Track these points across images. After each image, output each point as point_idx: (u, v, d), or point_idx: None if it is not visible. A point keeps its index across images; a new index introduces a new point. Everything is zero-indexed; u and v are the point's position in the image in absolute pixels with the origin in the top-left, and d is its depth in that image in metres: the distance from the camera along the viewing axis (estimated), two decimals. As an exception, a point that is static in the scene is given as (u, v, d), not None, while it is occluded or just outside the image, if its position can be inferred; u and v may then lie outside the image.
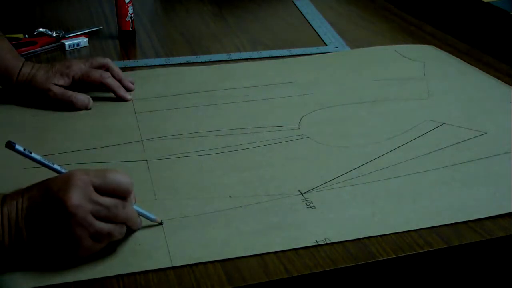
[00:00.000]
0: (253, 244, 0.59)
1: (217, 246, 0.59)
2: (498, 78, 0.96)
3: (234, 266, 0.57)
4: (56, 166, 0.59)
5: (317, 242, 0.59)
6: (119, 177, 0.56)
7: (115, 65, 0.92)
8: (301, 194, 0.67)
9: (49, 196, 0.54)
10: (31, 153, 0.59)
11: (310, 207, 0.65)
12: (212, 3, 1.38)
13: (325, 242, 0.59)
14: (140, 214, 0.60)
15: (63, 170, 0.59)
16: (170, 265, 0.56)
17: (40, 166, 0.69)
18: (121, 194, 0.56)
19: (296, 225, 0.62)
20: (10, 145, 0.57)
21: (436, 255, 0.60)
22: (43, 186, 0.56)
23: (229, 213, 0.64)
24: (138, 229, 0.60)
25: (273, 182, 0.69)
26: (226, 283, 0.55)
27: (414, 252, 0.59)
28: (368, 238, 0.60)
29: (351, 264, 0.57)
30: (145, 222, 0.61)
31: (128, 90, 0.91)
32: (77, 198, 0.53)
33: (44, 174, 0.70)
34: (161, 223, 0.62)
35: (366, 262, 0.58)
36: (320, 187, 0.68)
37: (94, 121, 0.84)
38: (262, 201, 0.66)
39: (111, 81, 0.88)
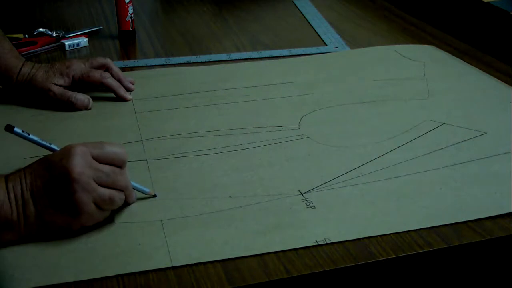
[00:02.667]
0: (253, 244, 0.59)
1: (217, 246, 0.59)
2: (498, 78, 0.96)
3: (234, 266, 0.57)
4: (53, 146, 0.64)
5: (317, 242, 0.59)
6: (115, 148, 0.61)
7: (115, 65, 0.92)
8: (301, 194, 0.67)
9: (51, 166, 0.58)
10: (29, 134, 0.64)
11: (310, 207, 0.65)
12: (212, 3, 1.38)
13: (325, 242, 0.59)
14: (134, 188, 0.64)
15: (56, 147, 0.63)
16: (170, 265, 0.56)
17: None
18: (118, 164, 0.60)
19: (296, 225, 0.62)
20: (9, 128, 0.62)
21: (436, 255, 0.60)
22: (44, 159, 0.59)
23: (229, 213, 0.64)
24: (133, 203, 0.64)
25: (273, 182, 0.69)
26: (226, 283, 0.55)
27: (414, 252, 0.59)
28: (368, 238, 0.60)
29: (351, 264, 0.57)
30: (145, 221, 0.61)
31: (128, 90, 0.91)
32: (79, 165, 0.57)
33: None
34: (154, 196, 0.65)
35: (366, 262, 0.58)
36: (320, 187, 0.68)
37: (94, 121, 0.84)
38: (262, 201, 0.66)
39: (111, 81, 0.89)
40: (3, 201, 0.56)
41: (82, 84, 0.87)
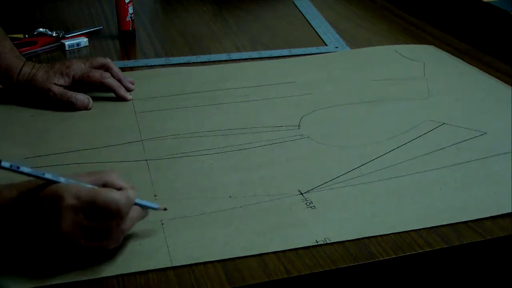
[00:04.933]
0: (253, 244, 0.59)
1: (217, 246, 0.59)
2: (498, 78, 0.96)
3: (234, 266, 0.57)
4: (48, 175, 0.54)
5: (317, 242, 0.59)
6: (110, 198, 0.54)
7: (115, 65, 0.92)
8: (301, 194, 0.67)
9: (38, 212, 0.53)
10: (18, 168, 0.53)
11: (310, 207, 0.65)
12: (212, 3, 1.38)
13: (325, 242, 0.59)
14: (143, 206, 0.59)
15: (56, 179, 0.55)
16: (170, 265, 0.56)
17: (41, 166, 0.69)
18: (114, 213, 0.54)
19: (296, 225, 0.62)
20: None
21: (436, 255, 0.60)
22: (31, 196, 0.54)
23: (229, 213, 0.64)
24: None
25: (273, 182, 0.69)
26: (226, 283, 0.55)
27: (414, 252, 0.59)
28: (368, 238, 0.60)
29: (351, 264, 0.57)
30: (144, 221, 0.61)
31: (128, 90, 0.91)
32: (68, 225, 0.53)
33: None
34: (165, 209, 0.61)
35: (366, 262, 0.58)
36: (320, 187, 0.68)
37: (94, 121, 0.84)
38: (262, 201, 0.66)
39: (111, 81, 0.88)
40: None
41: (82, 84, 0.87)
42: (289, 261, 0.57)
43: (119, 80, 0.90)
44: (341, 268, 0.57)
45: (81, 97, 0.86)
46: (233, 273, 0.56)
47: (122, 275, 0.55)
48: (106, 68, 0.90)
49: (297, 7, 1.34)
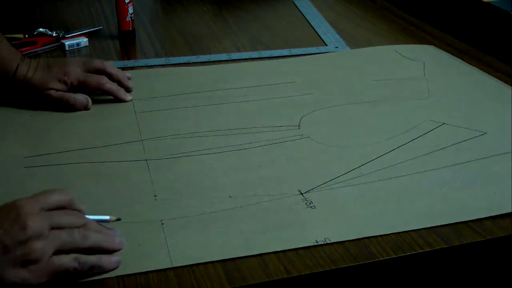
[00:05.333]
0: (253, 244, 0.59)
1: (217, 246, 0.59)
2: (498, 78, 0.96)
3: (234, 266, 0.57)
4: None
5: (317, 242, 0.59)
6: (57, 194, 0.56)
7: (113, 67, 0.90)
8: (301, 194, 0.67)
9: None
10: None
11: (310, 207, 0.65)
12: (212, 3, 1.38)
13: (325, 242, 0.59)
14: (96, 221, 0.59)
15: None
16: (170, 266, 0.56)
17: (41, 165, 0.69)
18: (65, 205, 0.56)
19: (296, 225, 0.62)
20: None
21: (436, 255, 0.60)
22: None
23: (229, 213, 0.64)
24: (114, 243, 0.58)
25: (273, 182, 0.69)
26: (226, 283, 0.55)
27: (414, 252, 0.59)
28: (368, 238, 0.60)
29: (351, 264, 0.57)
30: (145, 221, 0.61)
31: (128, 90, 0.90)
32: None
33: (44, 174, 0.71)
34: (118, 219, 0.61)
35: (366, 262, 0.58)
36: (320, 187, 0.68)
37: (94, 121, 0.83)
38: (262, 201, 0.66)
39: (109, 86, 0.88)
40: None
41: (80, 88, 0.87)
42: (289, 261, 0.57)
43: (119, 81, 0.89)
44: (341, 268, 0.57)
45: (80, 98, 0.86)
46: (233, 273, 0.56)
47: (122, 275, 0.55)
48: (104, 72, 0.89)
49: (297, 7, 1.34)
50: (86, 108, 0.86)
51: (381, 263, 0.58)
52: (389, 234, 0.61)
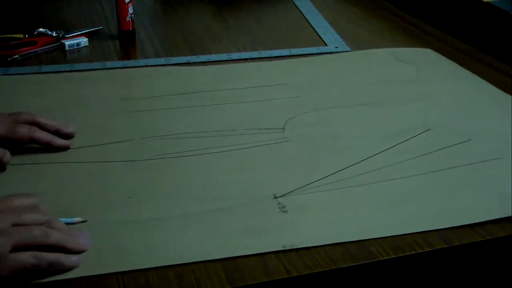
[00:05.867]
0: (220, 247, 0.58)
1: (185, 249, 0.58)
2: (498, 78, 0.96)
3: (234, 266, 0.57)
4: None
5: (284, 247, 0.59)
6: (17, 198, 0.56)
7: (44, 117, 0.78)
8: (276, 198, 0.66)
9: None
10: None
11: (283, 211, 0.64)
12: (212, 3, 1.38)
13: (292, 248, 0.59)
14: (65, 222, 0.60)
15: None
16: (144, 267, 0.56)
17: (25, 163, 0.70)
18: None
19: (265, 230, 0.61)
20: None
21: (436, 255, 0.60)
22: None
23: (200, 217, 0.63)
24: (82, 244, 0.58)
25: (249, 185, 0.69)
26: (226, 283, 0.55)
27: (414, 252, 0.59)
28: (369, 239, 0.60)
29: (351, 264, 0.57)
30: (121, 221, 0.61)
31: (70, 136, 0.78)
32: None
33: (30, 172, 0.70)
34: (84, 221, 0.61)
35: (366, 262, 0.58)
36: (295, 191, 0.68)
37: (85, 120, 0.83)
38: (235, 204, 0.65)
39: (41, 134, 0.75)
40: None
41: (7, 142, 0.74)
42: (289, 261, 0.57)
43: (57, 130, 0.78)
44: (341, 268, 0.57)
45: None
46: (233, 273, 0.56)
47: (122, 275, 0.55)
48: (35, 124, 0.76)
49: (297, 7, 1.34)
50: (1, 162, 0.71)
51: (381, 263, 0.58)
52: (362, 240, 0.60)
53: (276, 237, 0.60)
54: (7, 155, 0.71)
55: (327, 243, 0.59)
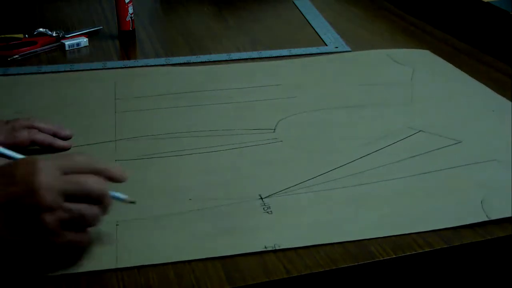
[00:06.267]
0: (202, 248, 0.58)
1: (166, 249, 0.58)
2: (498, 78, 0.96)
3: (234, 266, 0.57)
4: (16, 155, 0.57)
5: (266, 248, 0.59)
6: (83, 157, 0.56)
7: (43, 122, 0.78)
8: (261, 198, 0.66)
9: (12, 181, 0.52)
10: None
11: (267, 212, 0.64)
12: (212, 3, 1.38)
13: (275, 248, 0.59)
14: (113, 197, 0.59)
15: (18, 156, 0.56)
16: (114, 267, 0.56)
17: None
18: (88, 171, 0.55)
19: (248, 230, 0.61)
20: None
21: (436, 255, 0.60)
22: (1, 172, 0.53)
23: (185, 216, 0.63)
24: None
25: (235, 186, 0.68)
26: (226, 283, 0.55)
27: (414, 252, 0.59)
28: (369, 239, 0.60)
29: (351, 264, 0.57)
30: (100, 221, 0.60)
31: (67, 138, 0.79)
32: (45, 181, 0.52)
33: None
34: (134, 202, 0.60)
35: (366, 262, 0.58)
36: (281, 192, 0.67)
37: (73, 119, 0.83)
38: (220, 204, 0.65)
39: (41, 136, 0.76)
40: None
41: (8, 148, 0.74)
42: (289, 261, 0.57)
43: (54, 133, 0.78)
44: (341, 268, 0.57)
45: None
46: (233, 273, 0.56)
47: (122, 275, 0.55)
48: (32, 128, 0.77)
49: (297, 7, 1.34)
50: None
51: (381, 263, 0.58)
52: (348, 241, 0.60)
53: (258, 238, 0.60)
54: None
55: (310, 244, 0.59)
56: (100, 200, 0.55)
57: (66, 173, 0.54)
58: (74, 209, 0.53)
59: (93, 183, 0.55)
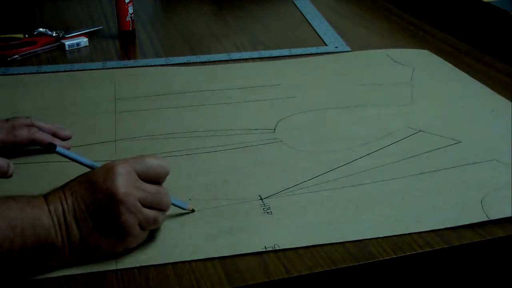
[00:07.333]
0: (201, 248, 0.58)
1: (166, 249, 0.58)
2: (498, 78, 0.96)
3: (234, 266, 0.57)
4: (94, 163, 0.60)
5: (266, 248, 0.59)
6: (158, 161, 0.59)
7: (42, 122, 0.78)
8: (261, 199, 0.66)
9: (94, 188, 0.55)
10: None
11: (267, 212, 0.64)
12: (212, 3, 1.38)
13: (275, 248, 0.59)
14: (173, 204, 0.61)
15: (97, 165, 0.59)
16: (114, 267, 0.56)
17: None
18: (163, 177, 0.59)
19: (248, 231, 0.61)
20: (50, 147, 0.59)
21: (436, 255, 0.60)
22: (85, 179, 0.56)
23: (184, 217, 0.63)
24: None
25: (235, 186, 0.68)
26: (226, 283, 0.55)
27: (414, 252, 0.59)
28: (369, 239, 0.60)
29: (351, 264, 0.57)
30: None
31: (67, 138, 0.79)
32: (124, 186, 0.55)
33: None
34: (192, 211, 0.63)
35: (366, 262, 0.58)
36: (281, 192, 0.67)
37: (74, 119, 0.83)
38: (220, 205, 0.65)
39: (41, 135, 0.75)
40: (49, 226, 0.53)
41: (6, 147, 0.74)
42: (289, 261, 0.57)
43: (54, 133, 0.78)
44: (341, 268, 0.57)
45: (0, 162, 0.71)
46: (233, 273, 0.56)
47: (122, 275, 0.55)
48: (32, 126, 0.76)
49: (297, 7, 1.34)
50: (6, 174, 0.70)
51: (381, 263, 0.58)
52: (343, 242, 0.60)
53: (258, 238, 0.60)
54: (11, 169, 0.71)
55: (310, 244, 0.59)
56: (165, 210, 0.59)
57: (141, 177, 0.57)
58: (151, 215, 0.57)
59: (165, 195, 0.59)
